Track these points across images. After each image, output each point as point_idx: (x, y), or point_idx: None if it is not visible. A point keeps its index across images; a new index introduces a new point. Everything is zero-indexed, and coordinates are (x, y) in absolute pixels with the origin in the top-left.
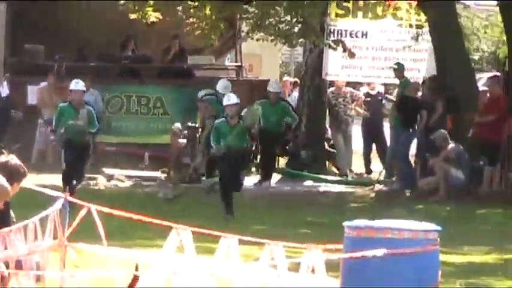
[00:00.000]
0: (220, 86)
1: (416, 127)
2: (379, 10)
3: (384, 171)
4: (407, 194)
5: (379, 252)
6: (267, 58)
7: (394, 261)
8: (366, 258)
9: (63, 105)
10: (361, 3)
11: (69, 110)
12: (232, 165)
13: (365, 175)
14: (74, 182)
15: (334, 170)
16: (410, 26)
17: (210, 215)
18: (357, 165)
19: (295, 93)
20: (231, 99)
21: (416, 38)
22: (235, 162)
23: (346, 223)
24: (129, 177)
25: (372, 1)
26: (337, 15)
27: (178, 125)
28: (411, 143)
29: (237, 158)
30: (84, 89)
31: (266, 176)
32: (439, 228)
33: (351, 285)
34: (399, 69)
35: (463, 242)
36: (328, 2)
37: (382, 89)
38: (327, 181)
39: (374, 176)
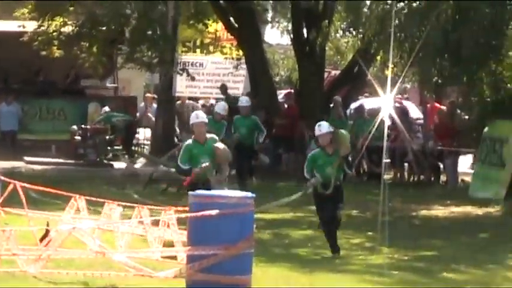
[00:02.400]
0: (220, 108)
1: None
2: (211, 48)
3: None
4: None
5: (214, 212)
6: (135, 80)
7: (224, 218)
8: (205, 216)
9: (189, 143)
10: (198, 42)
11: (196, 145)
12: (333, 200)
13: None
14: None
15: None
16: (232, 58)
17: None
18: None
19: (155, 105)
20: (322, 128)
21: (236, 67)
22: (335, 197)
23: (190, 192)
24: (42, 162)
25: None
26: (182, 51)
27: (74, 127)
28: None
29: (338, 192)
30: (207, 120)
31: (243, 183)
32: (253, 195)
33: (195, 235)
34: (224, 89)
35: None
36: (176, 43)
37: (214, 102)
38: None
39: None
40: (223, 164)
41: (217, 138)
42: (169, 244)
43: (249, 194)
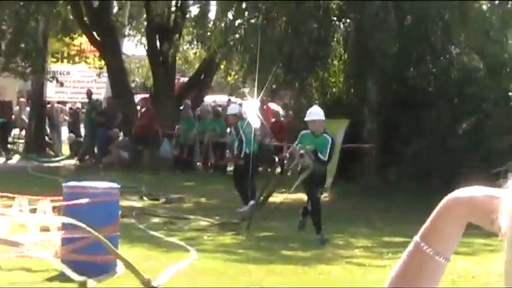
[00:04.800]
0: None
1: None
2: (77, 58)
3: (82, 151)
4: (100, 166)
5: (84, 200)
6: (10, 87)
7: (93, 206)
8: (77, 204)
9: None
10: (65, 54)
11: None
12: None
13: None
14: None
15: (52, 153)
16: (95, 67)
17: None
18: (66, 149)
19: (28, 108)
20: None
21: (99, 75)
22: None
23: (63, 184)
24: None
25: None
26: (52, 61)
27: None
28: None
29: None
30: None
31: None
32: (119, 186)
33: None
34: (89, 93)
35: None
36: (46, 54)
37: (79, 105)
38: (48, 161)
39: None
40: None
41: None
42: (45, 229)
43: (114, 185)
